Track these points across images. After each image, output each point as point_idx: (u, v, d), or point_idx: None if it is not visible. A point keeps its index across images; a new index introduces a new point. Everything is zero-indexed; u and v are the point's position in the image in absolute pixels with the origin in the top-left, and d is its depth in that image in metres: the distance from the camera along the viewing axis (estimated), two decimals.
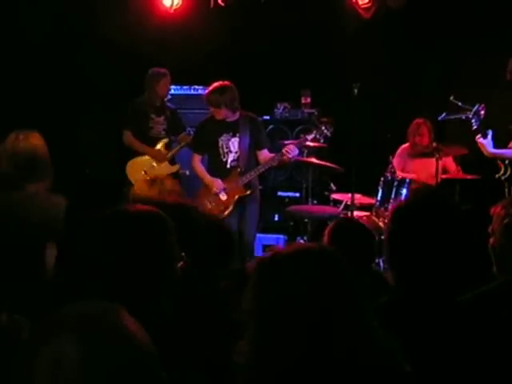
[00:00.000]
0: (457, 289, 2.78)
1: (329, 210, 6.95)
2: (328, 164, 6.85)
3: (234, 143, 6.26)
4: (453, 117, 6.28)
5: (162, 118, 7.09)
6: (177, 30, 8.01)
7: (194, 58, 8.02)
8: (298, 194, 7.83)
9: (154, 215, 1.95)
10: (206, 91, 6.28)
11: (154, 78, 7.01)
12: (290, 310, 1.61)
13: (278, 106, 8.18)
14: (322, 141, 6.39)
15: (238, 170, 6.26)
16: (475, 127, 5.70)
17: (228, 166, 6.29)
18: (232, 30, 8.03)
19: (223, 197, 6.24)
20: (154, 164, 7.00)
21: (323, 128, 6.30)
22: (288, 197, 8.02)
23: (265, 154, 6.37)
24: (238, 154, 6.26)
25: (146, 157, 6.98)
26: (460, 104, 6.09)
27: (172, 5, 7.86)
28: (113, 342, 1.14)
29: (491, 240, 2.67)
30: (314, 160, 6.79)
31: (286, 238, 7.53)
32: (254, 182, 6.35)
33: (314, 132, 6.34)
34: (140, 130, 6.99)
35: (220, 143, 6.27)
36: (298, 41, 8.02)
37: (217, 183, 6.24)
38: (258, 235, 7.57)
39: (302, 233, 6.99)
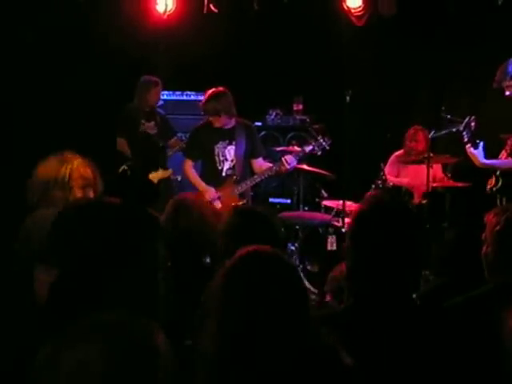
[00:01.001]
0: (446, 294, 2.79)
1: (320, 216, 6.95)
2: (319, 171, 6.86)
3: (230, 151, 6.14)
4: (443, 132, 6.32)
5: (152, 124, 7.10)
6: (170, 36, 8.02)
7: (186, 64, 8.03)
8: (289, 201, 7.84)
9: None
10: (202, 100, 6.13)
11: (145, 85, 7.01)
12: (235, 304, 1.74)
13: (270, 112, 8.20)
14: (319, 153, 6.33)
15: (234, 178, 6.15)
16: (466, 140, 5.73)
17: (223, 174, 6.16)
18: (225, 36, 8.03)
19: (218, 205, 6.05)
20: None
21: (322, 140, 6.25)
22: (279, 203, 8.02)
23: (260, 163, 6.29)
24: (234, 162, 6.15)
25: None
26: (449, 117, 6.12)
27: (165, 10, 7.86)
28: (135, 351, 1.14)
29: (484, 248, 2.69)
30: (305, 167, 6.79)
31: None
32: (246, 190, 6.30)
33: (313, 144, 6.27)
34: (132, 136, 7.00)
35: (216, 151, 6.14)
36: (291, 47, 8.03)
37: (210, 192, 6.08)
38: None
39: (293, 239, 6.99)
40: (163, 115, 7.30)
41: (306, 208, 7.43)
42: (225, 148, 6.14)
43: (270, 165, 6.24)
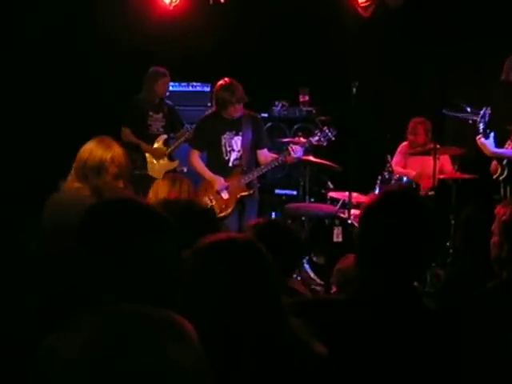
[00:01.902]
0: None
1: (326, 208, 6.95)
2: (325, 162, 6.85)
3: (237, 142, 6.13)
4: (457, 115, 6.29)
5: (160, 115, 7.10)
6: (176, 27, 8.01)
7: (192, 55, 8.02)
8: (295, 192, 7.84)
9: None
10: (217, 90, 6.06)
11: (153, 76, 7.01)
12: (209, 295, 1.71)
13: (276, 103, 8.19)
14: (325, 144, 6.33)
15: (241, 168, 6.16)
16: (481, 130, 5.71)
17: (230, 164, 6.16)
18: (231, 27, 8.03)
19: (225, 195, 6.11)
20: (154, 161, 7.01)
21: (327, 131, 6.26)
22: (285, 194, 8.02)
23: (265, 154, 6.29)
24: (241, 152, 6.14)
25: (146, 154, 6.99)
26: (469, 109, 6.10)
27: (171, 1, 7.84)
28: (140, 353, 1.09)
29: (492, 239, 2.70)
30: (311, 158, 6.79)
31: None
32: (253, 181, 6.32)
33: (319, 134, 6.27)
34: (138, 127, 7.00)
35: (223, 141, 6.12)
36: (297, 39, 8.02)
37: (219, 181, 6.10)
38: None
39: (299, 231, 6.99)
40: (171, 106, 7.29)
41: (312, 199, 7.42)
42: (231, 138, 6.13)
43: (276, 155, 6.25)
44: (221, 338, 1.65)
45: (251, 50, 8.17)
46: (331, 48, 7.97)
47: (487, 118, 5.66)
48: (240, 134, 6.13)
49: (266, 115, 8.01)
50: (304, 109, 8.11)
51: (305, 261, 6.76)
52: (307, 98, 8.13)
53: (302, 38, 8.01)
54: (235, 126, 6.12)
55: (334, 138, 6.23)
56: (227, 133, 6.12)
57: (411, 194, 2.26)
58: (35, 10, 7.44)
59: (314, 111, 8.02)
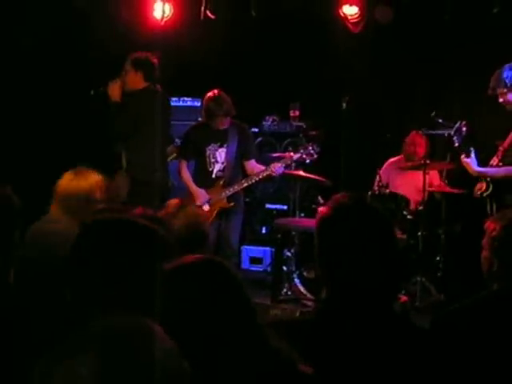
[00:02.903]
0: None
1: None
2: (316, 177, 6.86)
3: (221, 154, 6.25)
4: (434, 132, 6.33)
5: None
6: (166, 42, 8.01)
7: (183, 70, 8.02)
8: (285, 207, 7.83)
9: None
10: (206, 101, 6.21)
11: None
12: (183, 313, 1.70)
13: (267, 118, 8.20)
14: (307, 161, 6.41)
15: (222, 181, 6.26)
16: (457, 144, 5.73)
17: (213, 175, 6.29)
18: (221, 42, 8.04)
19: (206, 207, 6.22)
20: None
21: (310, 148, 6.32)
22: (276, 209, 8.02)
23: (252, 165, 6.38)
24: (225, 164, 6.25)
25: None
26: (441, 121, 6.14)
27: (162, 17, 7.86)
28: (131, 364, 1.09)
29: (483, 254, 2.74)
30: (301, 173, 6.80)
31: (273, 250, 7.53)
32: (238, 194, 6.36)
33: (301, 152, 6.35)
34: None
35: (207, 153, 6.26)
36: (288, 54, 8.04)
37: (201, 195, 6.22)
38: (245, 247, 7.59)
39: (290, 245, 6.99)
40: None
41: (303, 214, 7.42)
42: (216, 150, 6.26)
43: (263, 168, 6.31)
44: (201, 357, 1.62)
45: (242, 65, 8.19)
46: (322, 63, 7.99)
47: (463, 133, 5.67)
48: (225, 146, 6.23)
49: (256, 130, 8.03)
50: (294, 124, 8.11)
51: (295, 275, 6.76)
52: (297, 112, 8.14)
53: (292, 53, 8.03)
54: (221, 138, 6.23)
55: (316, 156, 6.29)
56: (212, 144, 6.25)
57: (362, 204, 2.25)
58: (27, 24, 7.43)
59: (304, 126, 8.03)
